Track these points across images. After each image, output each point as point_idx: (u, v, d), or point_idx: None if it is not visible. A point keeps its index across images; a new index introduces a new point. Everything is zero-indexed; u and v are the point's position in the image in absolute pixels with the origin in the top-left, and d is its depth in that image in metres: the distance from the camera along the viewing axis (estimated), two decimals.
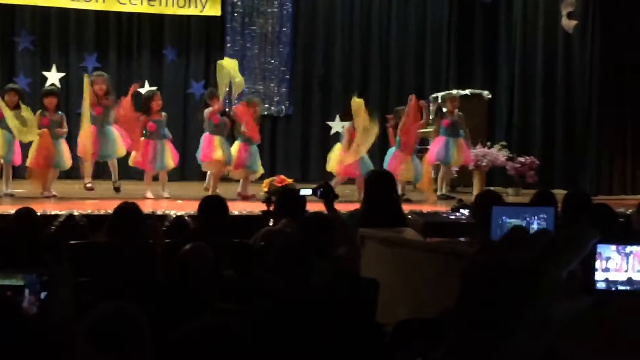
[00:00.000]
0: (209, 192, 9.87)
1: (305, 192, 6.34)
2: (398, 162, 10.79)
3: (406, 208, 7.19)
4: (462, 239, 5.37)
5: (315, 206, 6.54)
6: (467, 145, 11.43)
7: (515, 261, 0.81)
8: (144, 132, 10.32)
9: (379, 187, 6.40)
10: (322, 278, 4.33)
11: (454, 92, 12.70)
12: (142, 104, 10.52)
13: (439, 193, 11.28)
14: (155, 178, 10.44)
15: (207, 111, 10.54)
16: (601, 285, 0.96)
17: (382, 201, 6.25)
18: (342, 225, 5.72)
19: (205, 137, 10.57)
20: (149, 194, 10.18)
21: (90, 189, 10.17)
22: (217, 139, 10.47)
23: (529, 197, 7.40)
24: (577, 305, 0.82)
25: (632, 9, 12.46)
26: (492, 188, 10.59)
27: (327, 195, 6.08)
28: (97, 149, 10.15)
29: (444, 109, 11.38)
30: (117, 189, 10.23)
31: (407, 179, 10.87)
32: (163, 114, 10.52)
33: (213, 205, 5.89)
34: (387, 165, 10.84)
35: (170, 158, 10.51)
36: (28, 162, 10.10)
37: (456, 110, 11.46)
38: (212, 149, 10.45)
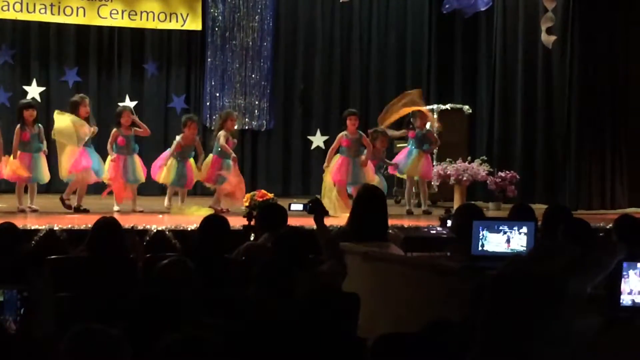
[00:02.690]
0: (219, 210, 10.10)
1: (296, 207, 6.33)
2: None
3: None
4: (442, 254, 5.39)
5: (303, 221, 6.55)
6: (431, 160, 11.62)
7: (540, 274, 0.82)
8: (114, 146, 10.39)
9: (370, 202, 6.34)
10: (303, 292, 4.33)
11: (433, 107, 12.87)
12: (114, 119, 10.70)
13: (423, 208, 11.43)
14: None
15: (222, 134, 10.69)
16: (627, 302, 0.97)
17: (371, 216, 6.18)
18: (329, 242, 5.70)
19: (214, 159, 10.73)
20: (116, 207, 10.29)
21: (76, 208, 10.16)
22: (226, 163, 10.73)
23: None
24: (599, 321, 0.83)
25: (610, 24, 12.55)
26: (473, 202, 10.63)
27: (316, 210, 6.05)
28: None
29: (414, 123, 11.54)
30: (85, 210, 10.15)
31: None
32: (133, 129, 10.60)
33: (216, 225, 5.85)
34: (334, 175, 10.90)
35: (141, 172, 10.59)
36: (6, 176, 10.08)
37: (428, 125, 11.59)
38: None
